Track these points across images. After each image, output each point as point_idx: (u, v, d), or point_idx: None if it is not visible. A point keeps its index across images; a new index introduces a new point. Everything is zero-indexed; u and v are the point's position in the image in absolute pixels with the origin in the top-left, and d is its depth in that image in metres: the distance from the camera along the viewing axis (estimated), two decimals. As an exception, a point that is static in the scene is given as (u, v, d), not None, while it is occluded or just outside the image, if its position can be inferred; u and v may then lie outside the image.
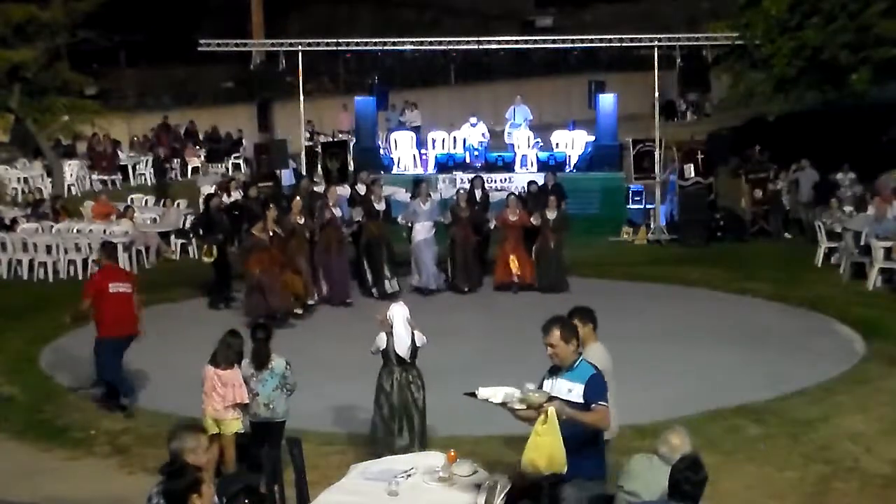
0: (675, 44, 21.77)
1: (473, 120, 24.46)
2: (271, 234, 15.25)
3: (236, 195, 20.31)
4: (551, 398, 6.53)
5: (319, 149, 24.33)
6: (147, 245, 19.73)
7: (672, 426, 6.77)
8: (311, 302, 15.73)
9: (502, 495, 6.89)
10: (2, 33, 25.00)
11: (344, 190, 18.20)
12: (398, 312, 9.17)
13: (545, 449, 6.41)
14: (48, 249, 18.54)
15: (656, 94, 22.49)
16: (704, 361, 12.88)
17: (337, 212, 16.34)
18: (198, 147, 30.09)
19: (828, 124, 24.90)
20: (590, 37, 22.72)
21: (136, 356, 11.91)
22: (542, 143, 24.06)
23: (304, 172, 22.58)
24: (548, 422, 6.39)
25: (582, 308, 7.47)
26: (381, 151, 24.11)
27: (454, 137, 24.29)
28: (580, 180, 22.13)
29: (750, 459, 9.55)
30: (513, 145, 24.29)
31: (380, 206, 16.81)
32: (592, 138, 23.76)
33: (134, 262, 18.82)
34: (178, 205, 22.21)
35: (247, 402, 9.02)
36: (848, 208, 19.31)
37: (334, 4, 40.67)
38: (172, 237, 20.55)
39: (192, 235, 19.11)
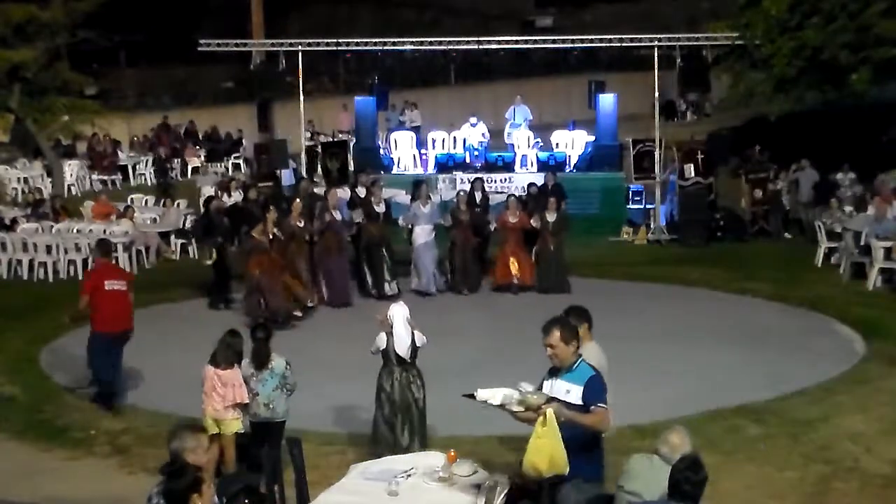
0: (675, 44, 21.78)
1: (473, 120, 24.46)
2: (271, 236, 15.24)
3: (236, 195, 20.33)
4: (550, 399, 6.52)
5: (319, 149, 24.32)
6: (147, 245, 19.71)
7: (672, 426, 6.76)
8: (310, 304, 15.71)
9: (502, 495, 6.90)
10: (2, 33, 24.99)
11: (344, 192, 18.16)
12: (398, 312, 9.17)
13: (546, 451, 6.41)
14: (48, 249, 18.51)
15: (656, 94, 22.49)
16: (704, 361, 12.88)
17: (337, 215, 16.31)
18: (198, 147, 30.04)
19: (828, 124, 24.88)
20: (590, 37, 22.73)
21: (136, 356, 11.92)
22: (542, 143, 24.07)
23: (304, 172, 22.58)
24: (547, 423, 6.39)
25: (577, 307, 7.47)
26: (381, 151, 24.11)
27: (454, 137, 24.31)
28: (580, 180, 22.15)
29: (750, 459, 9.54)
30: (513, 145, 24.30)
31: (380, 208, 16.81)
32: (592, 138, 23.79)
33: (134, 263, 18.82)
34: (178, 205, 22.20)
35: (247, 401, 9.02)
36: (848, 208, 19.30)
37: (334, 4, 40.65)
38: (172, 237, 20.54)
39: (192, 238, 19.09)
